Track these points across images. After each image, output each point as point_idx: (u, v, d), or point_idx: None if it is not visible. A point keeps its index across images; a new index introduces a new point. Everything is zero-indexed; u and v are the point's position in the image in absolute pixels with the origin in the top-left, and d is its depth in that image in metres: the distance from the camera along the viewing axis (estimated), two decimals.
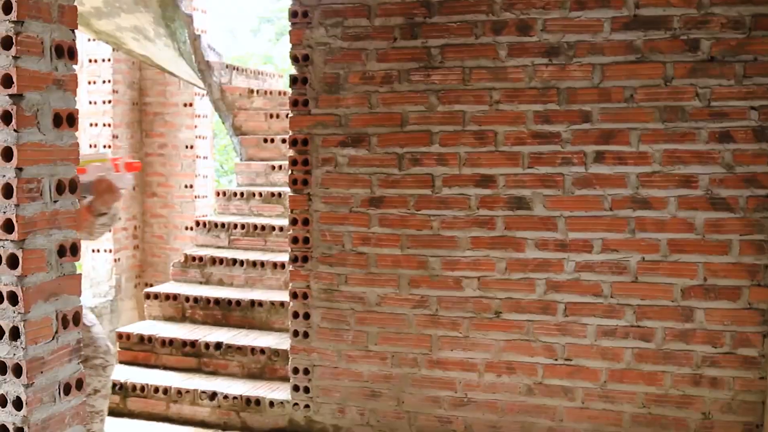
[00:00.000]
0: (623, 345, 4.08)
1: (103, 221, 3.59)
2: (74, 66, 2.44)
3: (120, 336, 5.49)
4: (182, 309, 5.70)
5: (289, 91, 4.52)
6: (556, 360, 4.17)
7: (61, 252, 2.40)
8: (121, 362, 5.38)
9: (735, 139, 3.86)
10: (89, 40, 9.06)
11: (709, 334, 3.98)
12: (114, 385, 4.96)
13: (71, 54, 2.41)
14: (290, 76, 4.48)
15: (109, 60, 9.31)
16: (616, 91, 3.99)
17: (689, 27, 3.88)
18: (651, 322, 4.03)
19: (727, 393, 3.98)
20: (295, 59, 4.44)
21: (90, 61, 9.38)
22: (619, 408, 4.12)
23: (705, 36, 3.87)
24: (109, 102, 9.33)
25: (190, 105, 9.65)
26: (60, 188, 2.39)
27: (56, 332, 2.39)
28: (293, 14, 4.43)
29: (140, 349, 5.41)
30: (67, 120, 2.41)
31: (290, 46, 4.48)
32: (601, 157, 4.02)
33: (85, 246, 9.22)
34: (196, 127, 9.66)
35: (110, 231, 3.49)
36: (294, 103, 4.45)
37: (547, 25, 4.05)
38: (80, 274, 2.51)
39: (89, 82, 9.37)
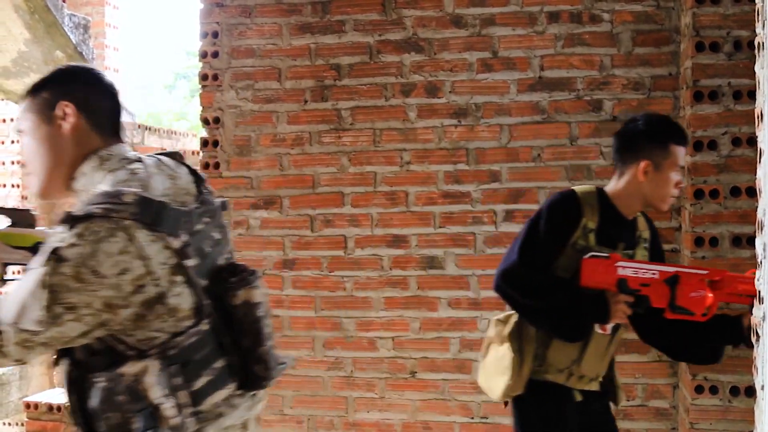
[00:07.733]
0: None
1: None
2: None
3: (27, 405, 5.29)
4: None
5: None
6: (472, 418, 4.17)
7: None
8: None
9: None
10: None
11: (621, 387, 4.03)
12: None
13: None
14: (201, 138, 4.45)
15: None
16: (524, 150, 4.07)
17: (592, 88, 3.99)
18: None
19: None
20: (205, 122, 4.41)
21: None
22: None
23: (607, 97, 3.99)
24: (18, 162, 9.12)
25: None
26: None
27: None
28: (203, 77, 4.41)
29: (49, 419, 5.22)
30: None
31: (201, 108, 4.45)
32: (510, 215, 4.08)
33: None
34: None
35: None
36: (205, 166, 4.41)
37: (455, 87, 4.12)
38: None
39: None
